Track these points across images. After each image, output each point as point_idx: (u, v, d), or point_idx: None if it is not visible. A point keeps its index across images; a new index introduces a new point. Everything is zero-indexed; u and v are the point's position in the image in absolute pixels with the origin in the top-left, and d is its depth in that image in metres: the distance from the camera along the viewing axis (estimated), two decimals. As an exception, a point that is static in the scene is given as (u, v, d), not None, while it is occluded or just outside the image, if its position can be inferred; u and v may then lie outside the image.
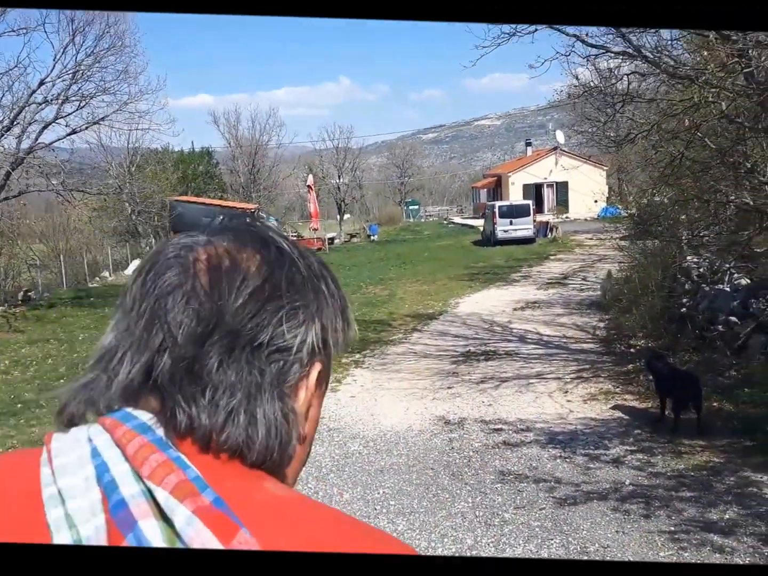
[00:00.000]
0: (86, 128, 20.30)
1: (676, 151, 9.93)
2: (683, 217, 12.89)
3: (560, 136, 42.85)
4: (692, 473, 5.88)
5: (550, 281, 18.91)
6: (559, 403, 8.18)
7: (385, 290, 19.30)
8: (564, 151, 43.69)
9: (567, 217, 41.26)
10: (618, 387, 8.67)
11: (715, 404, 7.52)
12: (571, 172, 41.40)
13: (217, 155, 50.99)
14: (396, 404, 8.40)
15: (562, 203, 44.18)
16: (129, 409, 0.70)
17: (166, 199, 35.11)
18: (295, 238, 27.54)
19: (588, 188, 38.24)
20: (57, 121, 19.21)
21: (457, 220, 51.65)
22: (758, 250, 9.62)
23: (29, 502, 0.65)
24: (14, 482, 0.69)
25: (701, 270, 12.01)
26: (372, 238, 39.59)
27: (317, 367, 0.78)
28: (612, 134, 14.05)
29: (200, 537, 0.60)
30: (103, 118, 20.04)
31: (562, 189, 44.69)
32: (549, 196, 45.34)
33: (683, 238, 12.38)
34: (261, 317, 0.72)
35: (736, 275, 10.51)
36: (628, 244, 17.43)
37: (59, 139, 19.65)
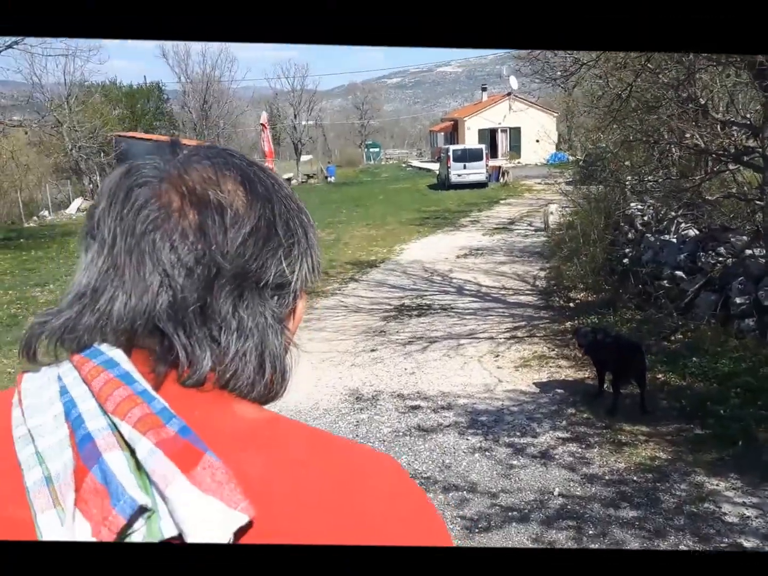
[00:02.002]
0: None
1: (624, 84, 8.35)
2: (627, 162, 11.47)
3: (513, 82, 40.73)
4: (634, 478, 4.46)
5: (497, 227, 17.40)
6: (488, 371, 6.73)
7: (331, 234, 17.63)
8: (517, 96, 41.70)
9: (519, 163, 39.59)
10: (553, 350, 7.23)
11: (659, 376, 6.11)
12: (523, 118, 39.76)
13: (169, 92, 48.07)
14: (309, 373, 6.86)
15: (515, 149, 42.43)
16: (98, 345, 0.64)
17: (111, 135, 32.58)
18: None
19: (539, 134, 36.70)
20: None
21: (416, 163, 49.70)
22: (708, 198, 8.14)
23: (1, 443, 0.61)
24: None
25: (645, 218, 10.54)
26: (329, 179, 37.56)
27: (304, 298, 0.76)
28: (559, 71, 12.35)
29: (161, 467, 0.55)
30: (16, 42, 17.55)
31: (515, 135, 42.87)
32: (503, 142, 43.51)
33: (626, 183, 10.92)
34: (263, 258, 0.67)
35: (683, 225, 9.06)
36: (572, 189, 15.99)
37: None
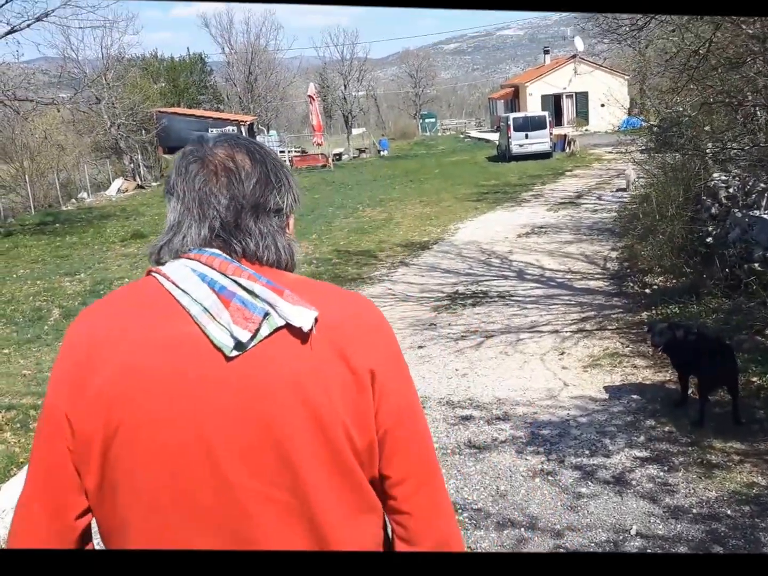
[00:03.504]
0: (28, 26, 17.15)
1: (701, 40, 7.55)
2: (707, 128, 10.58)
3: (579, 43, 39.19)
4: (728, 511, 3.84)
5: (562, 201, 16.60)
6: (552, 371, 6.12)
7: (382, 213, 17.11)
8: (583, 58, 40.13)
9: (586, 130, 38.24)
10: (627, 346, 6.57)
11: (754, 379, 5.40)
12: (590, 82, 38.31)
13: (213, 64, 47.40)
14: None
15: (582, 115, 40.97)
16: (211, 249, 1.18)
17: (152, 111, 31.91)
18: (298, 154, 25.44)
19: (608, 98, 35.22)
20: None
21: (474, 134, 48.57)
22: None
23: (168, 298, 1.14)
24: (148, 292, 1.18)
25: (731, 191, 9.68)
26: (382, 153, 36.77)
27: (292, 217, 1.31)
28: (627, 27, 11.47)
29: (268, 295, 1.11)
30: (47, 14, 17.23)
31: (581, 100, 41.38)
32: (568, 108, 42.07)
33: (707, 150, 10.06)
34: (266, 195, 1.23)
35: (777, 198, 8.20)
36: (647, 158, 15.08)
37: None
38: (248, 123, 34.77)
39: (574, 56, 41.48)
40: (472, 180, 22.43)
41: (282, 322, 1.09)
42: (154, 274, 1.19)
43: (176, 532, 1.11)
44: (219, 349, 1.09)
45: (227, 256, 1.16)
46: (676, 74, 13.12)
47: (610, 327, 7.14)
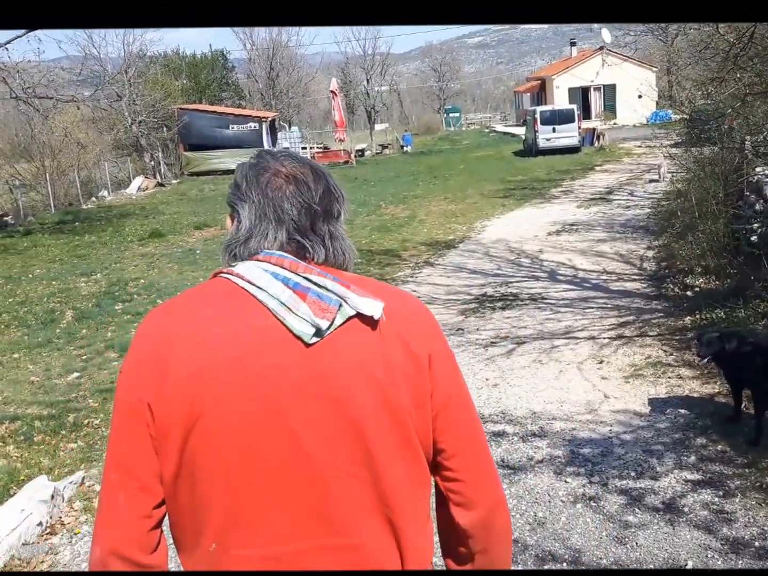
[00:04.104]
0: None
1: (740, 34, 7.16)
2: (745, 119, 10.15)
3: (606, 35, 38.54)
4: (797, 546, 3.50)
5: (593, 197, 16.19)
6: (590, 382, 5.78)
7: (406, 210, 16.81)
8: (611, 50, 39.48)
9: (615, 124, 37.61)
10: (671, 354, 6.20)
11: (814, 392, 5.03)
12: (618, 74, 37.73)
13: (235, 61, 47.36)
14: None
15: (610, 108, 40.31)
16: (279, 251, 1.30)
17: (173, 108, 31.85)
18: (320, 150, 25.27)
19: (641, 90, 34.64)
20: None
21: (500, 128, 48.09)
22: None
23: (246, 296, 1.25)
24: (223, 290, 1.28)
25: (777, 185, 9.24)
26: (405, 149, 36.42)
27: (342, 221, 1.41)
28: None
29: (338, 289, 1.25)
30: None
31: (609, 92, 40.72)
32: (596, 101, 41.41)
33: (746, 143, 9.63)
34: (332, 201, 1.37)
35: (829, 194, 7.78)
36: (681, 152, 14.65)
37: (16, 38, 16.80)
38: (270, 119, 34.53)
39: (601, 48, 40.83)
40: (498, 175, 22.05)
41: (353, 312, 1.23)
42: (225, 275, 1.30)
43: (259, 509, 1.21)
44: (298, 338, 1.21)
45: (294, 257, 1.29)
46: (719, 63, 12.63)
47: (651, 333, 6.76)
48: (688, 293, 7.73)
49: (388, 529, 1.26)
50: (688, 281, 8.08)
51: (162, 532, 1.26)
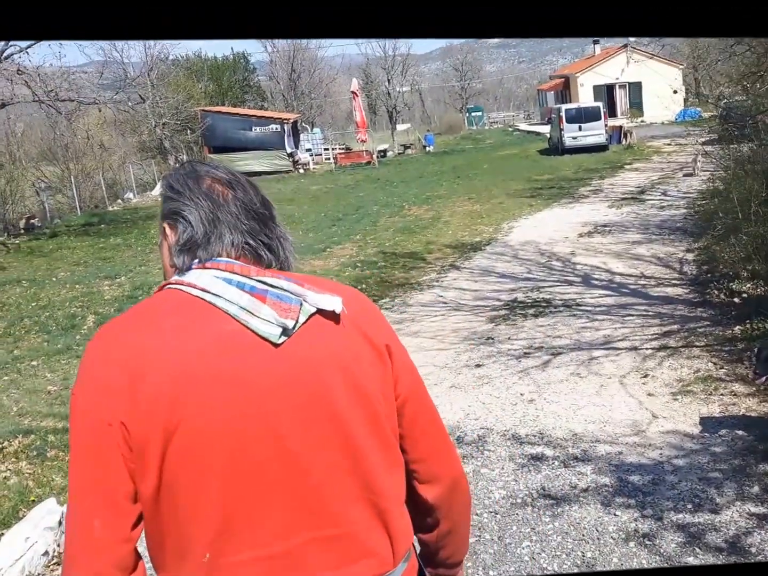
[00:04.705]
0: None
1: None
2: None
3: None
4: None
5: (624, 197, 15.67)
6: (636, 399, 5.34)
7: (430, 211, 16.41)
8: (635, 47, 38.82)
9: (642, 121, 36.93)
10: (721, 367, 5.75)
11: None
12: (644, 71, 37.11)
13: (257, 63, 47.84)
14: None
15: (636, 106, 39.64)
16: (226, 258, 1.29)
17: (196, 110, 32.11)
18: (342, 151, 25.29)
19: (664, 89, 34.02)
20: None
21: (523, 126, 47.48)
22: None
23: (202, 305, 1.23)
24: (175, 301, 1.26)
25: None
26: (428, 149, 35.95)
27: None
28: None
29: (295, 288, 1.26)
30: None
31: (635, 90, 40.06)
32: (621, 99, 40.75)
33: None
34: (270, 206, 1.39)
35: None
36: (716, 149, 14.12)
37: (35, 43, 16.70)
38: (292, 121, 34.37)
39: (625, 45, 40.19)
40: (523, 175, 21.58)
41: (313, 309, 1.26)
42: (174, 286, 1.28)
43: (251, 512, 1.21)
44: (266, 339, 1.22)
45: (242, 262, 1.28)
46: (754, 59, 12.14)
47: (698, 343, 6.31)
48: (736, 300, 7.26)
49: (375, 513, 1.29)
50: (734, 287, 7.61)
51: (137, 551, 1.21)
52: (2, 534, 4.25)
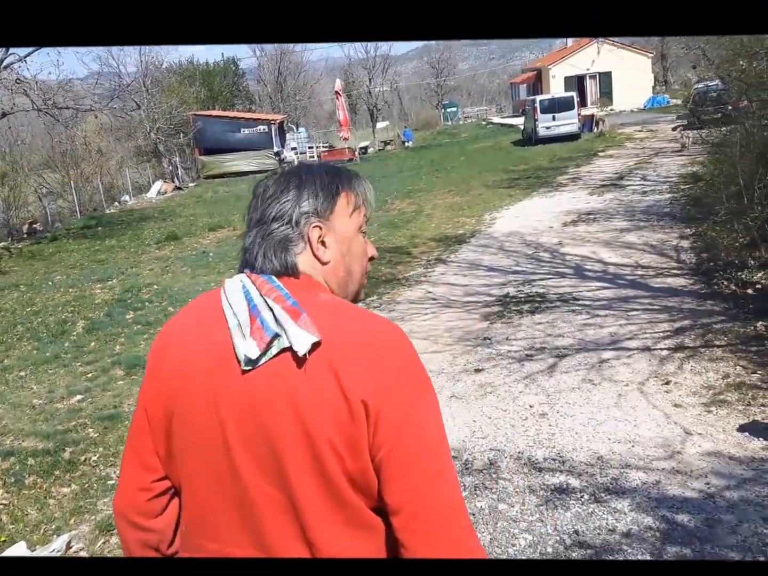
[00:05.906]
0: None
1: None
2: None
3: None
4: None
5: (604, 183, 14.79)
6: (661, 410, 4.44)
7: (412, 205, 15.44)
8: (606, 38, 38.06)
9: (612, 110, 36.21)
10: (753, 371, 4.83)
11: None
12: (614, 61, 36.51)
13: (245, 68, 47.82)
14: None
15: (606, 95, 38.92)
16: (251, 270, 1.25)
17: (188, 114, 32.13)
18: (326, 149, 24.58)
19: (633, 78, 33.34)
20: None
21: (497, 119, 46.59)
22: None
23: (218, 311, 1.20)
24: (210, 301, 1.25)
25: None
26: (406, 144, 35.11)
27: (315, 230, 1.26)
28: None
29: (283, 318, 1.11)
30: None
31: (605, 80, 39.32)
32: (592, 89, 40.05)
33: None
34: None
35: None
36: (695, 133, 13.19)
37: (33, 51, 15.80)
38: (278, 122, 33.91)
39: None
40: (500, 166, 20.69)
41: (287, 344, 1.11)
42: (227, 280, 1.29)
43: (205, 508, 1.20)
44: (239, 361, 1.14)
45: (269, 276, 1.22)
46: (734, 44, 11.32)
47: (717, 342, 5.41)
48: (749, 291, 6.37)
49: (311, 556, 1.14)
50: (743, 276, 6.73)
51: (169, 501, 1.29)
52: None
